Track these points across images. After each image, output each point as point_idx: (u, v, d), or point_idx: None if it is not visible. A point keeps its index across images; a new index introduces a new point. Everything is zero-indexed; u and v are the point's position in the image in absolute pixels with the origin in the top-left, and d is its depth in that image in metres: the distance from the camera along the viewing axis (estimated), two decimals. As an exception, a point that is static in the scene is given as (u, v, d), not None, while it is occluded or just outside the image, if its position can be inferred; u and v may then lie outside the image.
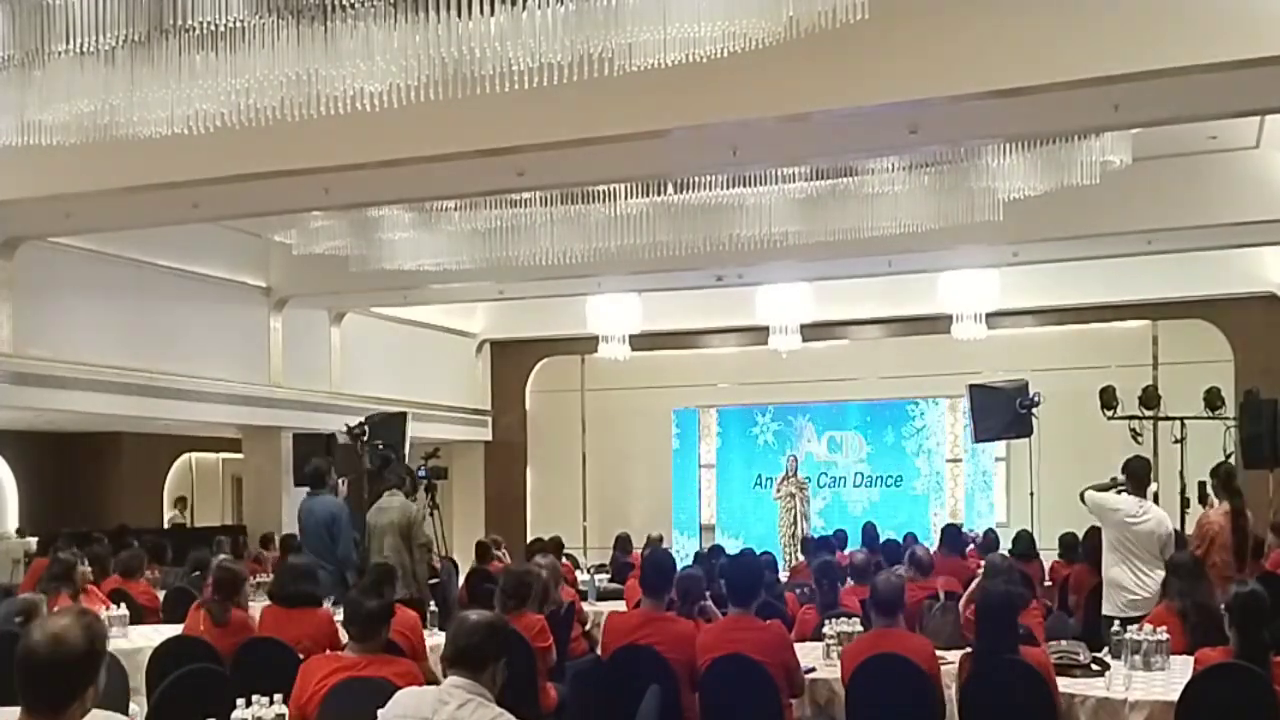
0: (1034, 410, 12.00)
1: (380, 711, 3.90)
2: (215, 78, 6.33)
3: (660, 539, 13.33)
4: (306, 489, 10.14)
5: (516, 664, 4.26)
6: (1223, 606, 5.69)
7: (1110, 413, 11.82)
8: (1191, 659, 5.75)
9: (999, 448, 16.16)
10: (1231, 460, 11.21)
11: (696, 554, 13.36)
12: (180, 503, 18.26)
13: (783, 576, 11.79)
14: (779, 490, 16.69)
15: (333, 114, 6.48)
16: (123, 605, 8.95)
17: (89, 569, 9.77)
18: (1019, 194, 9.59)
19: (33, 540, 14.42)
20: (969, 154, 9.39)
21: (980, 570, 8.46)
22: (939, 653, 6.16)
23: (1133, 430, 11.96)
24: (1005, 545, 11.67)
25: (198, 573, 10.52)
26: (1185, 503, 10.46)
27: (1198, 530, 9.08)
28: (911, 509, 16.97)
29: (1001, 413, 12.07)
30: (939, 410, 17.13)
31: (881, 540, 12.27)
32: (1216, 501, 9.00)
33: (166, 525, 17.31)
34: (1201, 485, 10.13)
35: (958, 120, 7.99)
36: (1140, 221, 11.33)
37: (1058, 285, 14.74)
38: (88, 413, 12.52)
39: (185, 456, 19.02)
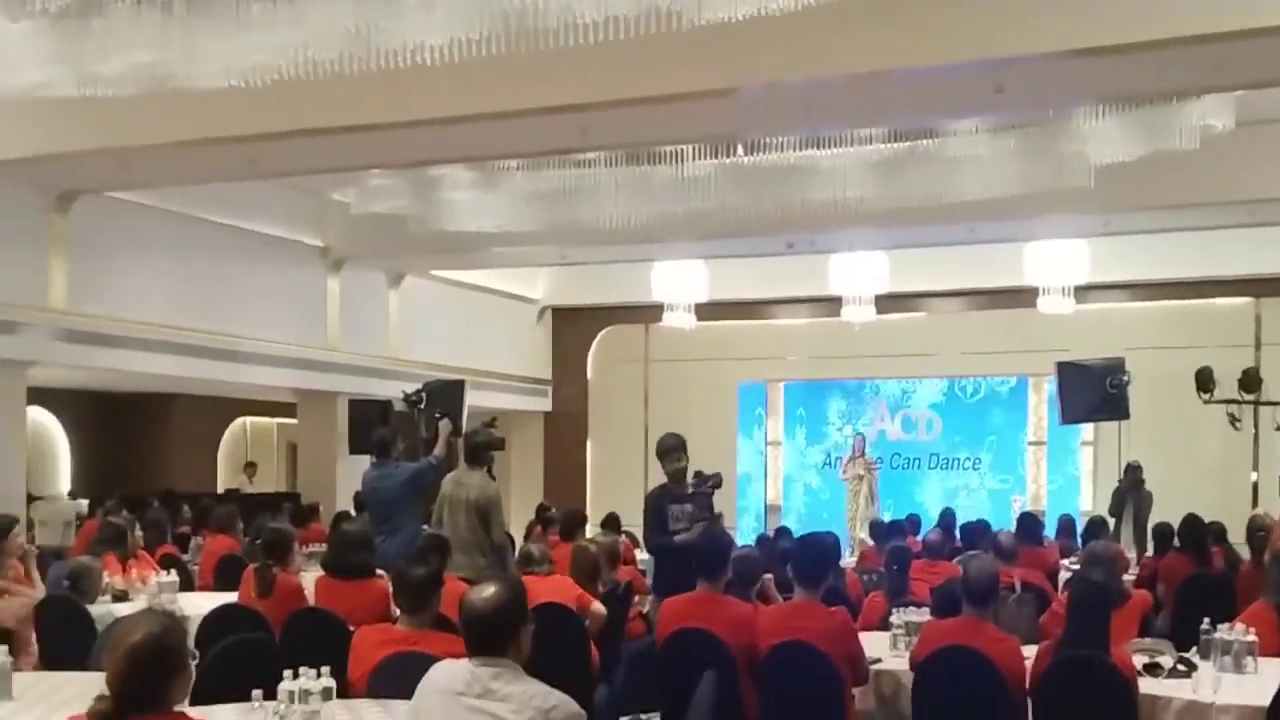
0: (1125, 390, 11.56)
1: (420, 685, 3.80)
2: (273, 29, 6.22)
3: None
4: (371, 458, 9.98)
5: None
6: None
7: (1207, 396, 11.47)
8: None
9: (1085, 431, 15.70)
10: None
11: (759, 536, 13.00)
12: (250, 468, 18.24)
13: (850, 562, 11.49)
14: (846, 470, 16.31)
15: (392, 68, 6.33)
16: (173, 571, 8.93)
17: (141, 535, 9.75)
18: (1112, 160, 9.25)
19: (84, 502, 14.49)
20: (1058, 116, 9.14)
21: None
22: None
23: (1230, 415, 11.59)
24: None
25: (260, 540, 10.45)
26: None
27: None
28: (990, 494, 16.58)
29: (1091, 392, 11.65)
30: (1023, 389, 16.71)
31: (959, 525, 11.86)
32: None
33: (221, 490, 17.30)
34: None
35: (1046, 80, 7.74)
36: (1242, 191, 10.90)
37: (1152, 258, 14.38)
38: (140, 373, 12.47)
39: (240, 420, 19.04)
